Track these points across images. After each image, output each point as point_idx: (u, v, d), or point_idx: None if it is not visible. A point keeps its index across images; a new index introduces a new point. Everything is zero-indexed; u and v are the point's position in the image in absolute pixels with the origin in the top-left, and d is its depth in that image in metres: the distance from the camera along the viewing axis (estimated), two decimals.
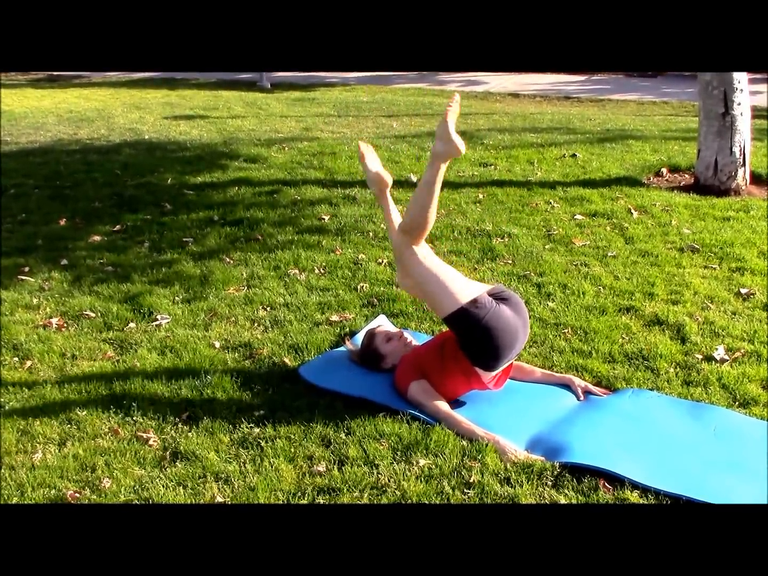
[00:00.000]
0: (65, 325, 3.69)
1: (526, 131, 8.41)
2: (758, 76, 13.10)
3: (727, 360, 3.24)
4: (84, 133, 8.51)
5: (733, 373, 3.12)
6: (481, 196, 5.81)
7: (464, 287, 2.83)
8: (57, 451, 2.68)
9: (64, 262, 4.52)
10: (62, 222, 5.28)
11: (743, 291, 3.95)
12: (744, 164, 5.93)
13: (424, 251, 2.90)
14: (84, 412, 2.90)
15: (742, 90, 5.79)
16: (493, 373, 2.89)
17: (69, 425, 2.84)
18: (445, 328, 3.18)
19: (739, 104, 5.80)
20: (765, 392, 3.01)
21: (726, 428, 2.76)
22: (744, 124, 5.87)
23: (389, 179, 3.16)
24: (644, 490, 2.40)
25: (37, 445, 2.72)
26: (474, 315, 2.75)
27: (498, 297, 2.87)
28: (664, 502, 2.35)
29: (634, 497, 2.36)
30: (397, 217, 3.15)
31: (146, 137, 8.23)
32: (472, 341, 2.79)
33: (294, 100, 11.31)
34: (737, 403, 2.95)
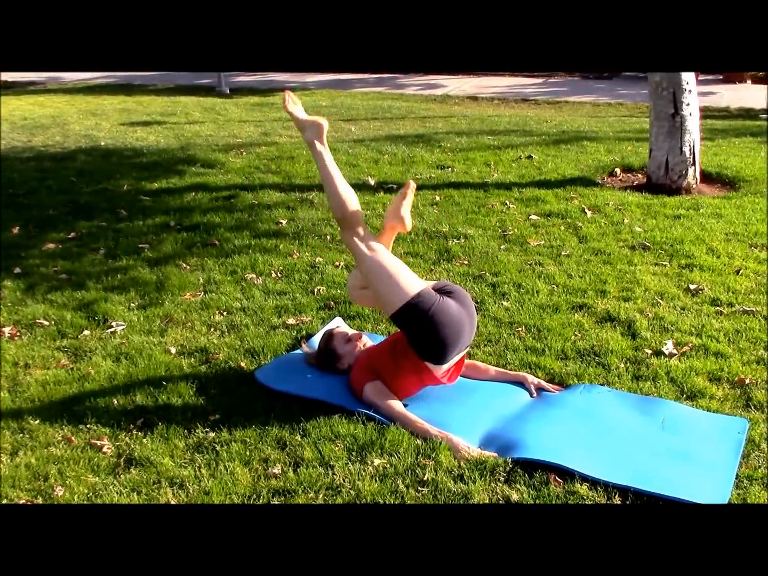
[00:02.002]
0: (18, 334, 3.65)
1: (483, 134, 8.50)
2: (709, 77, 13.38)
3: (676, 354, 3.31)
4: (38, 140, 8.39)
5: (681, 367, 3.20)
6: (438, 198, 5.86)
7: (410, 281, 2.85)
8: (9, 460, 2.65)
9: (17, 270, 4.46)
10: (15, 230, 5.20)
11: (692, 287, 4.04)
12: (694, 163, 6.06)
13: (372, 244, 2.92)
14: (37, 421, 2.88)
15: (690, 91, 5.93)
16: (445, 367, 2.91)
17: (21, 434, 2.80)
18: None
19: (688, 105, 5.93)
20: (711, 385, 3.09)
21: (673, 420, 2.83)
22: (693, 124, 6.00)
23: (324, 122, 3.04)
24: (594, 482, 2.45)
25: None
26: (420, 307, 2.79)
27: (443, 291, 2.91)
28: (613, 494, 2.40)
29: (583, 490, 2.41)
30: (335, 169, 3.02)
31: (102, 144, 8.14)
32: (420, 335, 2.82)
33: (253, 105, 11.28)
34: (685, 395, 3.02)
